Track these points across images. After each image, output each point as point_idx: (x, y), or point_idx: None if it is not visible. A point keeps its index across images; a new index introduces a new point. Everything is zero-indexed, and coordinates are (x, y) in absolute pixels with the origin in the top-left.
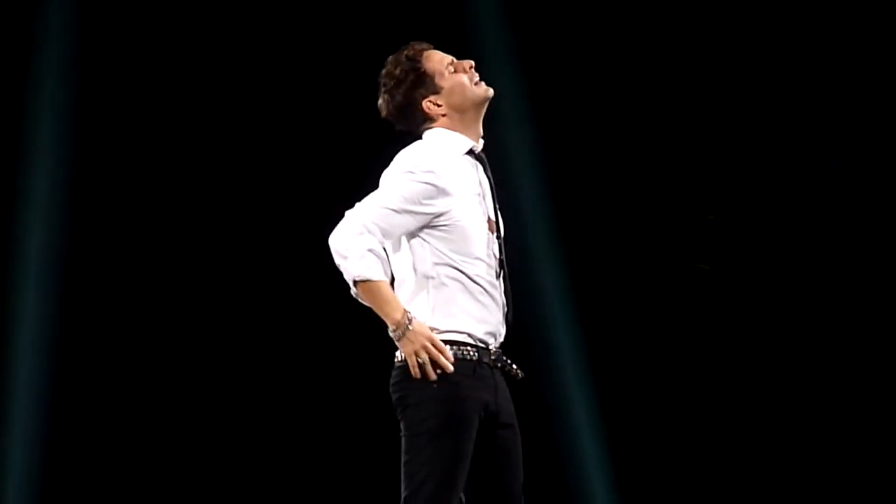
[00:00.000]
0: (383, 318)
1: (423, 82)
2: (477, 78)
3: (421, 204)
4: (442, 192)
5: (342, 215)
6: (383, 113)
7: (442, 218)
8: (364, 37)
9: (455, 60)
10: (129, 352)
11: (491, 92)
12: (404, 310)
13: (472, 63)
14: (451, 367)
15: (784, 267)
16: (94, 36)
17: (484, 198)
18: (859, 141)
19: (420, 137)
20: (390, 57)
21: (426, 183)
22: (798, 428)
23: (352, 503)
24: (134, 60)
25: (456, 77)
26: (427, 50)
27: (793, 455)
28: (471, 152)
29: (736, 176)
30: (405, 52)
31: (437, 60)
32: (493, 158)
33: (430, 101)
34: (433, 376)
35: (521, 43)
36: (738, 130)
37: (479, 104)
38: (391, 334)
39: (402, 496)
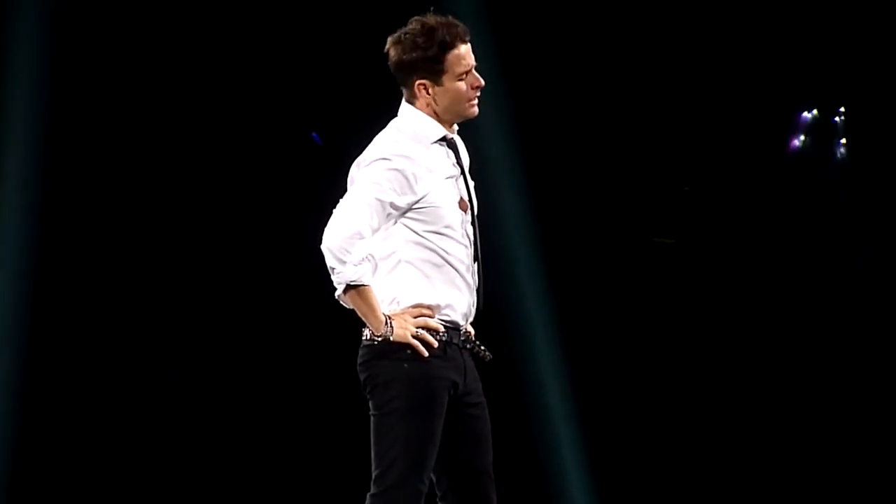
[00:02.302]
0: (367, 322)
1: (432, 69)
2: (475, 99)
3: (403, 194)
4: (418, 178)
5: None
6: (388, 55)
7: (418, 202)
8: (337, 26)
9: (473, 71)
10: (100, 347)
11: (474, 115)
12: (384, 316)
13: (483, 84)
14: (435, 343)
15: (753, 240)
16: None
17: (456, 181)
18: (828, 118)
19: (400, 97)
20: (431, 19)
21: (403, 170)
22: (765, 396)
23: (322, 483)
24: (108, 45)
25: (459, 86)
26: (460, 46)
27: (763, 422)
28: (443, 139)
29: (706, 151)
30: (441, 34)
31: (458, 62)
32: (465, 133)
33: (423, 85)
34: (436, 344)
35: (494, 15)
36: (709, 105)
37: (458, 118)
38: (377, 335)
39: (373, 475)
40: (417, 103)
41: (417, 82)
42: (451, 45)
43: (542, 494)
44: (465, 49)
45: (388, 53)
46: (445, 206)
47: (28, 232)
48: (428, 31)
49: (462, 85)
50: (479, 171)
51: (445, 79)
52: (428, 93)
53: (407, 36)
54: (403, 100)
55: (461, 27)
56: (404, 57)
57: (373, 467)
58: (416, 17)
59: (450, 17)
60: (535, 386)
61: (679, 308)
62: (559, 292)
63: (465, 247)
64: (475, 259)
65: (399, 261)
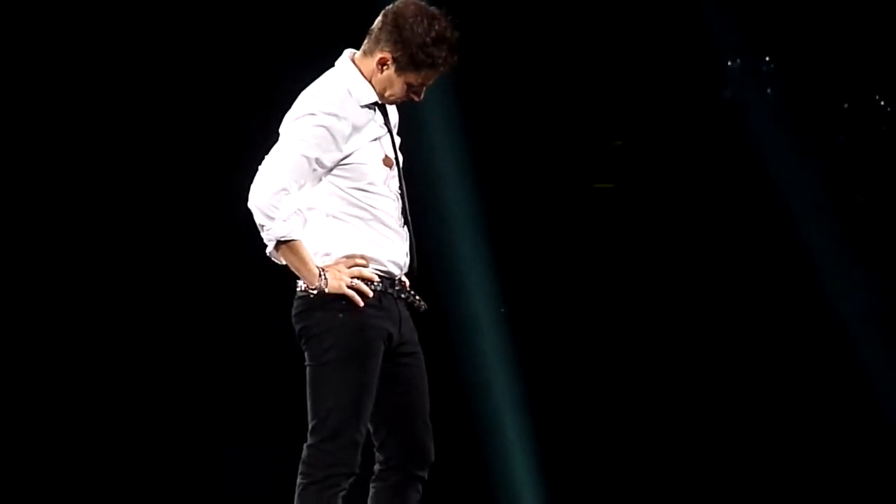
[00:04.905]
0: (300, 276)
1: (406, 61)
2: (399, 96)
3: (329, 151)
4: (345, 136)
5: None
6: (398, 7)
7: (343, 160)
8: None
9: (425, 86)
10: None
11: (390, 101)
12: (317, 269)
13: (420, 99)
14: (370, 293)
15: (688, 190)
16: None
17: (382, 139)
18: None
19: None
20: (451, 35)
21: (330, 128)
22: (700, 338)
23: (258, 434)
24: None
25: (403, 87)
26: (437, 72)
27: (692, 363)
28: (374, 103)
29: (641, 102)
30: (441, 53)
31: (423, 78)
32: None
33: (386, 60)
34: (371, 294)
35: None
36: (642, 59)
37: (379, 98)
38: (311, 288)
39: (309, 426)
40: (364, 63)
41: (385, 55)
42: (435, 66)
43: (479, 442)
44: (442, 70)
45: (400, 6)
46: (370, 164)
47: None
48: (438, 41)
49: (404, 88)
50: (415, 125)
51: (403, 75)
52: (382, 66)
53: (425, 23)
54: (346, 53)
55: (457, 59)
56: (403, 32)
57: (309, 418)
58: (450, 19)
59: (460, 44)
60: (470, 335)
61: (616, 255)
62: (495, 241)
63: (392, 200)
64: (403, 211)
65: (327, 215)
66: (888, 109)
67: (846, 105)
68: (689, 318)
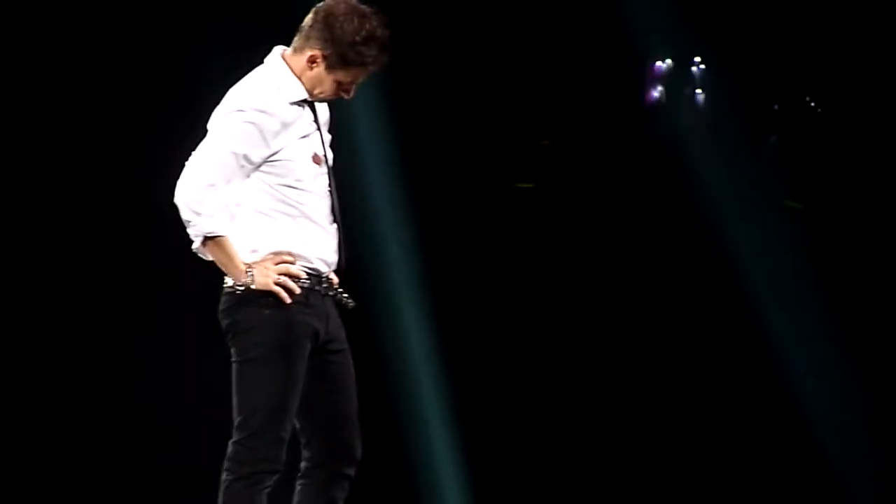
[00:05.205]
0: (227, 272)
1: (336, 59)
2: (329, 94)
3: (257, 148)
4: (273, 133)
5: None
6: (329, 6)
7: (271, 156)
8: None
9: (355, 84)
10: None
11: (319, 98)
12: (244, 265)
13: (351, 97)
14: (297, 289)
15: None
16: None
17: (311, 137)
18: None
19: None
20: (382, 32)
21: (259, 124)
22: (619, 329)
23: (185, 431)
24: None
25: (333, 84)
26: (367, 70)
27: (625, 359)
28: (304, 100)
29: (564, 102)
30: (371, 52)
31: (353, 76)
32: None
33: (316, 58)
34: (298, 290)
35: None
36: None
37: (309, 96)
38: (238, 284)
39: (235, 423)
40: (294, 60)
41: (315, 53)
42: (365, 65)
43: (405, 441)
44: (374, 68)
45: (331, 4)
46: (298, 161)
47: None
48: (368, 39)
49: (334, 85)
50: (343, 122)
51: (333, 73)
52: (311, 64)
53: (355, 22)
54: (277, 50)
55: (387, 58)
56: (333, 30)
57: (234, 414)
58: (381, 18)
59: (390, 43)
60: (397, 333)
61: (538, 253)
62: (422, 240)
63: (321, 197)
64: (332, 208)
65: (254, 211)
66: (818, 111)
67: (776, 106)
68: (610, 317)
